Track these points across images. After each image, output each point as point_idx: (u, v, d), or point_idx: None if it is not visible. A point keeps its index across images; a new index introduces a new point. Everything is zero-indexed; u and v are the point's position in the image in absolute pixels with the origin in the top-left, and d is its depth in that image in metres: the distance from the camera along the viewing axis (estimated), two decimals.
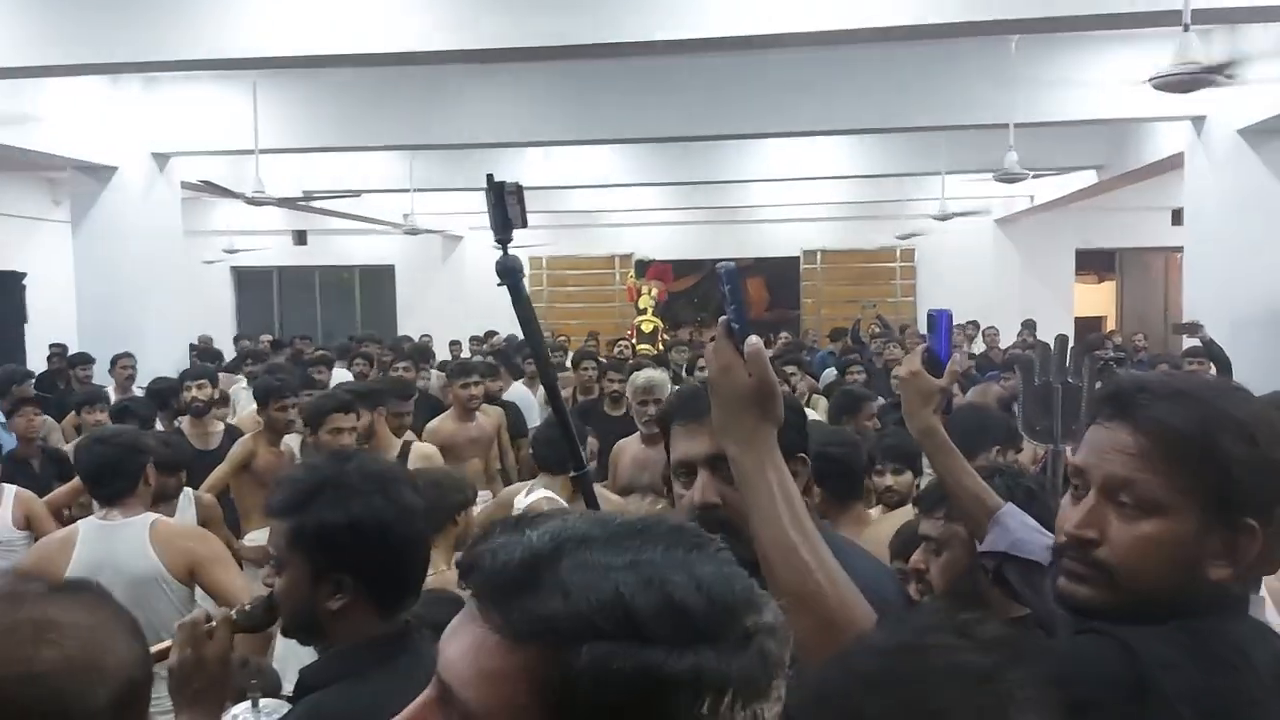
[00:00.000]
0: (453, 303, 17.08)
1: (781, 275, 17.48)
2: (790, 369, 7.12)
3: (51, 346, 10.84)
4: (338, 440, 4.17)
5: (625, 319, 16.19)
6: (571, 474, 2.41)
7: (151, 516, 3.30)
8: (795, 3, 5.69)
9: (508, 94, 8.64)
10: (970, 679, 0.82)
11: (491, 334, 14.42)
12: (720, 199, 14.87)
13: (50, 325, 11.05)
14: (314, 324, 17.87)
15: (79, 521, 3.41)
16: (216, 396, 5.87)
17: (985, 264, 16.25)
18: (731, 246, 15.72)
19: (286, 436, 5.07)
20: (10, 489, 4.30)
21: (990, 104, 8.18)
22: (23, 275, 11.42)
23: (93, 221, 9.12)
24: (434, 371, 8.64)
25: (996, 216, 15.89)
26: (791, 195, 14.39)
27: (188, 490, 4.25)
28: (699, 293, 17.16)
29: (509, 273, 1.93)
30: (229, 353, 11.26)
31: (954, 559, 2.10)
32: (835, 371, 7.89)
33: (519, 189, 1.86)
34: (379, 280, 18.71)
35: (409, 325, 16.59)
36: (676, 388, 3.14)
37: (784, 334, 13.46)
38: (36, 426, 5.40)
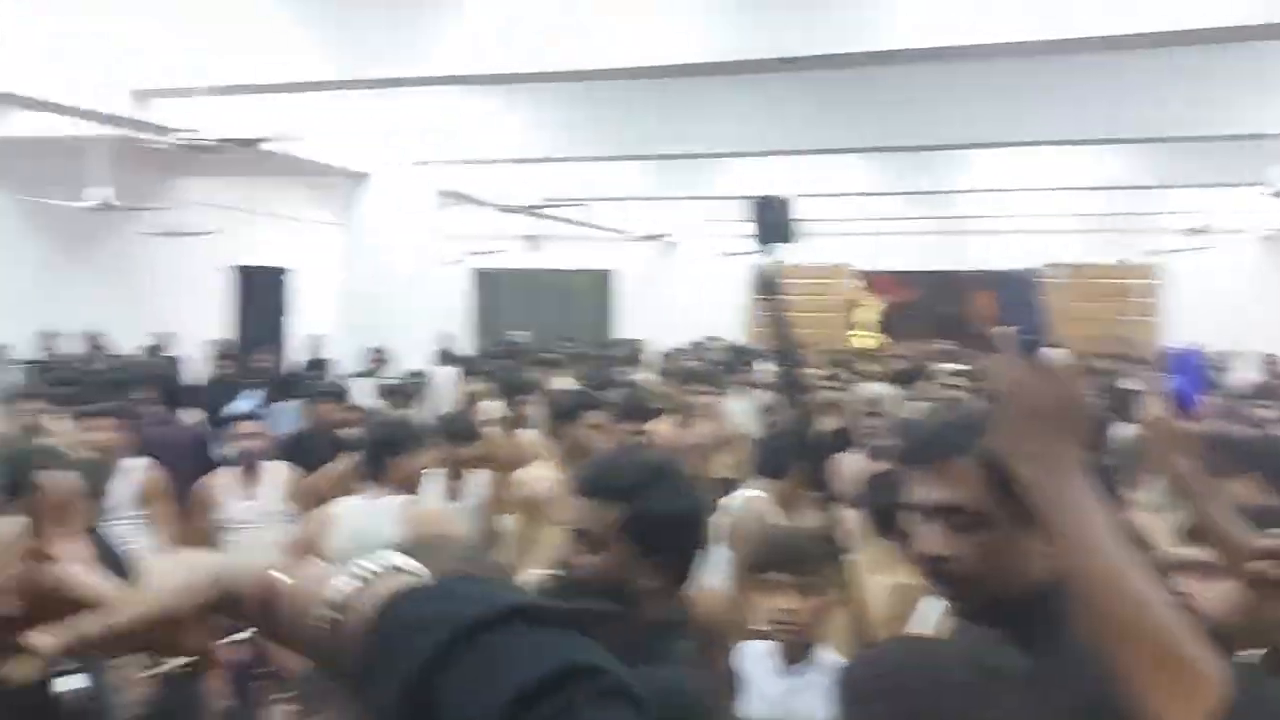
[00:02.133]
0: (671, 309, 17.39)
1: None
2: None
3: (309, 338, 11.89)
4: (594, 434, 4.36)
5: (843, 330, 15.97)
6: (815, 495, 2.39)
7: (404, 498, 3.55)
8: (1040, 9, 5.48)
9: (738, 104, 8.73)
10: None
11: (713, 340, 14.60)
12: (950, 209, 14.41)
13: (313, 317, 12.06)
14: (538, 327, 18.64)
15: (343, 499, 3.71)
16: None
17: (1248, 286, 14.92)
18: (963, 258, 15.24)
19: None
20: (280, 466, 4.69)
21: (1253, 113, 7.56)
22: (284, 271, 12.52)
23: (356, 224, 9.90)
24: (648, 375, 8.82)
25: (1264, 234, 14.58)
26: (1027, 206, 13.76)
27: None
28: (923, 306, 16.66)
29: (766, 285, 1.97)
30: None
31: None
32: None
33: (785, 203, 1.90)
34: (601, 285, 19.30)
35: (627, 329, 17.03)
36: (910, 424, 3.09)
37: None
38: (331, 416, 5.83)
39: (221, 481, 4.63)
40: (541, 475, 4.38)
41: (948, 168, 11.37)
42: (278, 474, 4.64)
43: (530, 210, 11.21)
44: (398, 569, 0.71)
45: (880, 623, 2.32)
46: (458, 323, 16.80)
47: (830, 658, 2.39)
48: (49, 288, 11.06)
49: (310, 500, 4.41)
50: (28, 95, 6.42)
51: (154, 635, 0.75)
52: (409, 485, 3.72)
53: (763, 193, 1.96)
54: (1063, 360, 1.14)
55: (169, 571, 0.76)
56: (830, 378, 6.67)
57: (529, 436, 5.36)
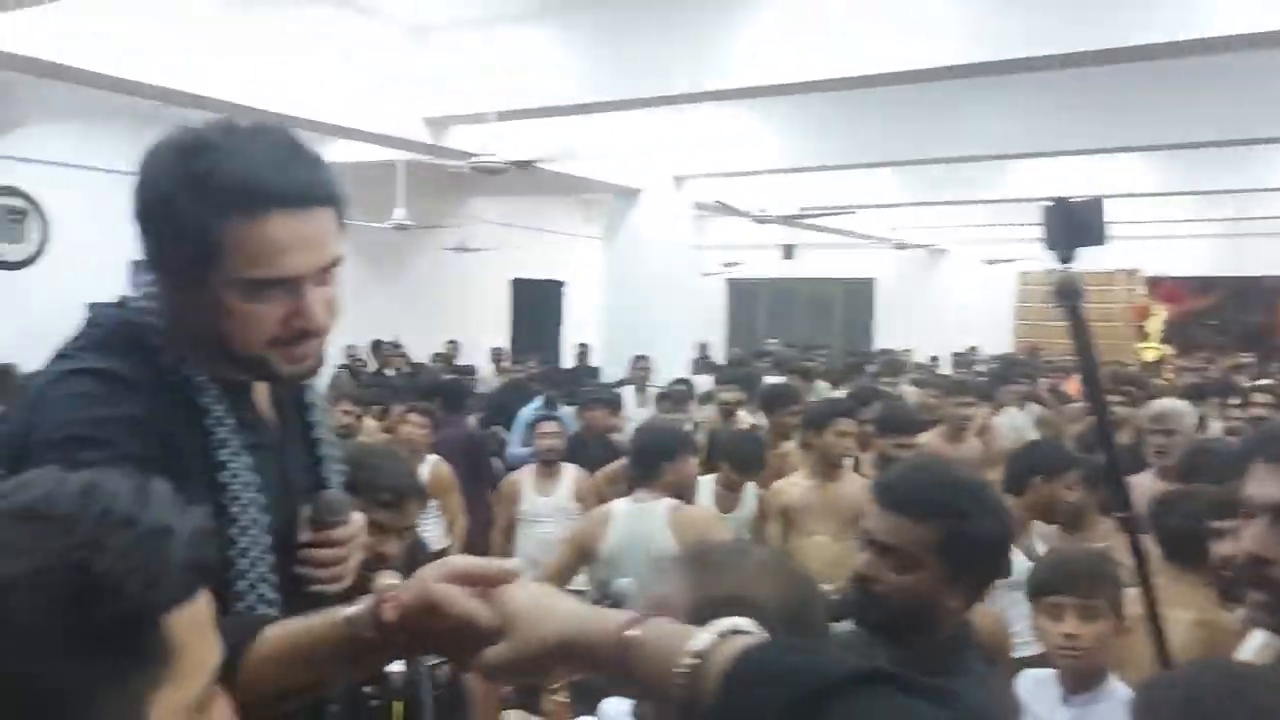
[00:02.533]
0: (932, 317, 16.86)
1: None
2: None
3: (578, 346, 12.50)
4: (843, 443, 4.37)
5: (1125, 340, 14.85)
6: (1116, 515, 2.27)
7: (672, 502, 3.63)
8: None
9: (1006, 105, 8.37)
10: None
11: (972, 349, 14.06)
12: (1251, 210, 13.08)
13: (581, 327, 12.66)
14: (794, 335, 18.61)
15: (615, 500, 3.87)
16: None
17: None
18: (1264, 263, 13.79)
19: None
20: (571, 467, 5.01)
21: None
22: (563, 284, 13.22)
23: (621, 238, 10.33)
24: (907, 387, 8.60)
25: None
26: None
27: (707, 479, 4.63)
28: (1219, 313, 15.19)
29: (1068, 294, 1.89)
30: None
31: None
32: None
33: (1098, 204, 1.83)
34: (859, 293, 19.00)
35: (886, 338, 16.67)
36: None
37: None
38: (602, 421, 6.18)
39: (522, 478, 5.02)
40: (797, 485, 4.43)
41: (1246, 165, 10.33)
42: (571, 474, 4.95)
43: (791, 220, 11.23)
44: (742, 630, 0.78)
45: (1182, 658, 2.18)
46: (715, 332, 17.14)
47: (1119, 688, 2.28)
48: (357, 302, 12.26)
49: (591, 500, 4.68)
50: (341, 125, 7.18)
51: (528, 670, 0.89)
52: (681, 490, 3.81)
53: (1041, 189, 1.89)
54: None
55: (534, 619, 0.87)
56: (1118, 392, 6.24)
57: (790, 447, 5.40)
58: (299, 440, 1.39)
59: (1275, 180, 10.80)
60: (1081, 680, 2.32)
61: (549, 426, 5.03)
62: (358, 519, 1.36)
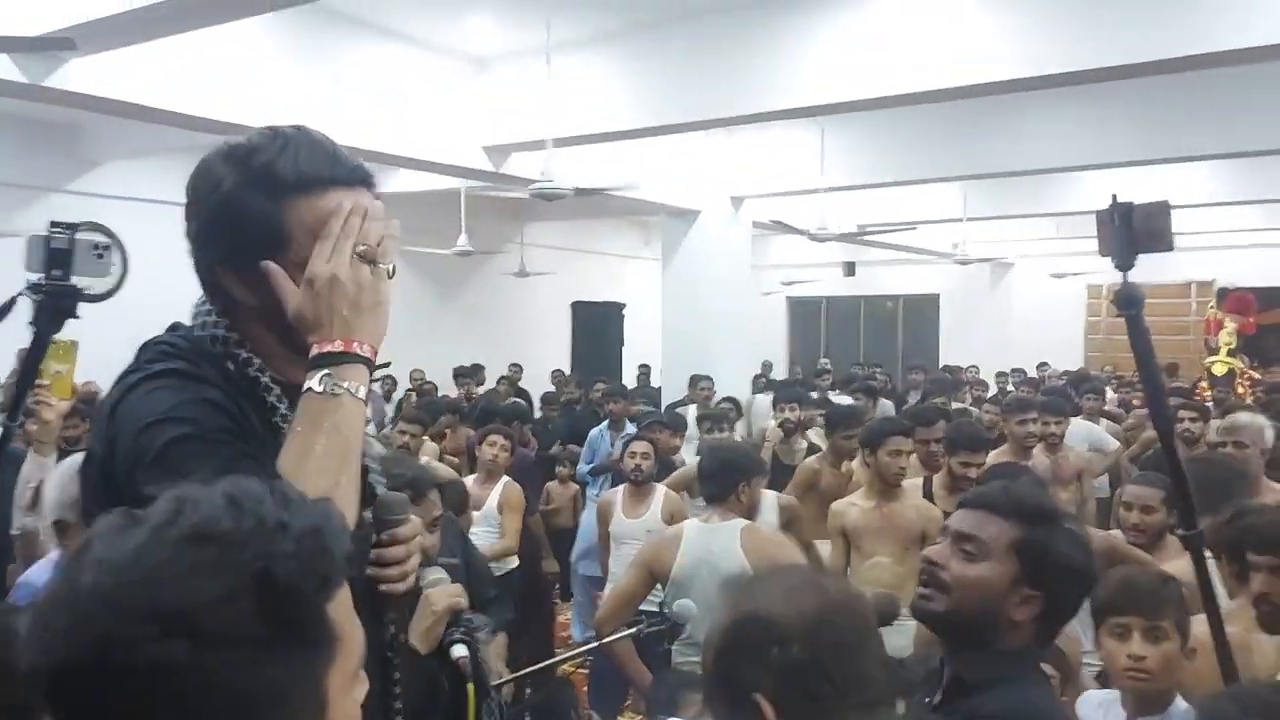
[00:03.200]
0: (998, 333, 16.59)
1: None
2: None
3: (639, 366, 12.54)
4: (896, 462, 4.34)
5: (1199, 354, 14.42)
6: (1180, 533, 2.24)
7: (743, 522, 3.65)
8: None
9: (1070, 116, 8.25)
10: None
11: (1043, 365, 13.79)
12: None
13: (641, 348, 12.71)
14: (857, 352, 18.44)
15: (685, 522, 3.92)
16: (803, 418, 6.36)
17: None
18: None
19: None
20: (661, 488, 5.05)
21: None
22: (623, 305, 13.29)
23: (679, 259, 10.37)
24: (976, 407, 8.47)
25: None
26: None
27: (769, 495, 4.69)
28: None
29: (1130, 303, 1.85)
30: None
31: None
32: None
33: (1165, 208, 1.79)
34: (922, 309, 18.78)
35: (951, 355, 16.44)
36: None
37: None
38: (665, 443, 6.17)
39: (615, 498, 5.08)
40: (856, 505, 4.39)
41: None
42: (661, 494, 4.99)
43: (849, 237, 11.17)
44: None
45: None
46: (775, 351, 17.08)
47: (1186, 709, 2.23)
48: (421, 327, 12.51)
49: (677, 518, 4.71)
50: (405, 155, 7.34)
51: None
52: (750, 511, 3.84)
53: (1118, 199, 1.84)
54: None
55: None
56: (1188, 406, 6.09)
57: (853, 466, 5.36)
58: None
59: None
60: (1148, 702, 2.29)
61: (639, 446, 5.04)
62: (416, 518, 1.41)
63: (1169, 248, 1.79)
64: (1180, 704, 2.28)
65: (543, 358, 12.45)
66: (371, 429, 6.99)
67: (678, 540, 3.64)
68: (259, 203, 1.23)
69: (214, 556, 0.71)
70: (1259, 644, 2.35)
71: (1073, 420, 6.87)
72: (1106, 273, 15.05)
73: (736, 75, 6.72)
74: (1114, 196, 1.87)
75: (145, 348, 1.32)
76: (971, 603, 1.64)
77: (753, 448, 5.43)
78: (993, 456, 5.43)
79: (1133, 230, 1.83)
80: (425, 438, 5.90)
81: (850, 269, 18.22)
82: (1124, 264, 1.84)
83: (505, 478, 5.31)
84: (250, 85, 6.20)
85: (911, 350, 17.79)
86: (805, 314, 19.83)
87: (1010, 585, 1.62)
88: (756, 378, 10.45)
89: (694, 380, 8.82)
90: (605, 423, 7.17)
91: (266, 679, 0.71)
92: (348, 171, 1.28)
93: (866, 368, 13.65)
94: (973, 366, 13.87)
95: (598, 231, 15.24)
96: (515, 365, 12.19)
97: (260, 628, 0.70)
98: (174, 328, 1.35)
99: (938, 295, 18.33)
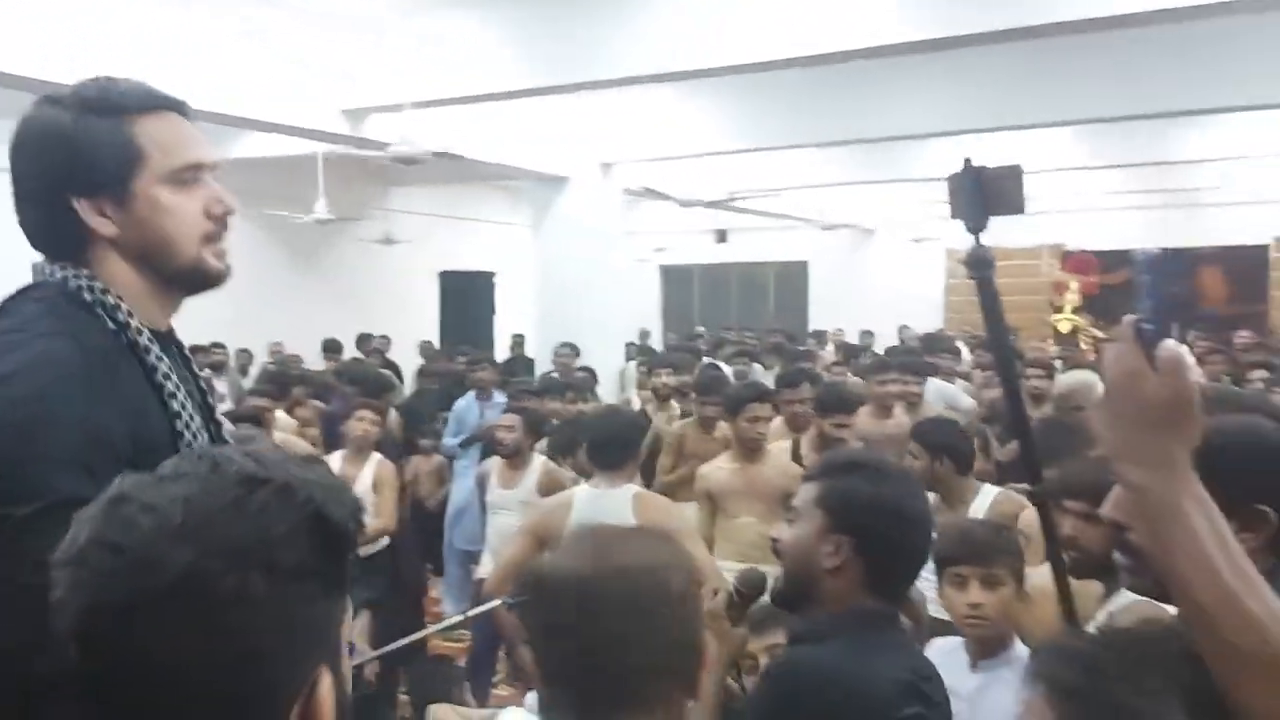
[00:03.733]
0: (864, 298, 17.03)
1: (1245, 266, 15.41)
2: (1258, 374, 6.28)
3: (513, 337, 12.37)
4: (754, 428, 4.39)
5: (1047, 315, 15.16)
6: (1029, 489, 2.35)
7: (634, 489, 3.65)
8: None
9: (931, 83, 8.43)
10: None
11: (904, 328, 14.22)
12: (1172, 181, 13.40)
13: (514, 317, 12.54)
14: (729, 319, 18.67)
15: (575, 488, 3.89)
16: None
17: None
18: (1185, 233, 14.14)
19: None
20: (539, 459, 4.98)
21: None
22: (492, 274, 13.07)
23: (549, 226, 10.23)
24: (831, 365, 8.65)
25: None
26: (1260, 176, 12.63)
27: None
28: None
29: (981, 264, 1.86)
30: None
31: None
32: None
33: (1017, 171, 1.79)
34: (792, 276, 19.12)
35: (821, 319, 16.80)
36: None
37: (1244, 332, 11.86)
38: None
39: (490, 468, 5.03)
40: (722, 469, 4.43)
41: (1169, 137, 10.57)
42: (538, 465, 4.92)
43: (720, 204, 11.24)
44: None
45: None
46: (649, 318, 17.11)
47: (1024, 652, 2.36)
48: (280, 297, 12.01)
49: (551, 488, 4.67)
50: (256, 118, 6.98)
51: None
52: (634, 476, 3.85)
53: (971, 163, 1.84)
54: (1178, 352, 1.02)
55: None
56: (1036, 364, 6.37)
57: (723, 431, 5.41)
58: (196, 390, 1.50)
59: (1194, 152, 11.07)
60: (988, 647, 2.40)
61: (507, 419, 4.98)
62: None
63: (1020, 211, 1.79)
64: (1019, 648, 2.39)
65: (410, 328, 12.12)
66: (227, 405, 6.68)
67: (568, 507, 3.62)
68: (106, 124, 1.30)
69: (273, 497, 0.74)
70: (1080, 590, 2.47)
71: (930, 380, 7.13)
72: (964, 237, 15.61)
73: (601, 38, 6.60)
74: (966, 160, 1.87)
75: (18, 296, 1.33)
76: (795, 563, 1.76)
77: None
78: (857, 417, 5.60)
79: (984, 194, 1.83)
80: (281, 411, 5.65)
81: (722, 236, 18.39)
82: (975, 227, 1.84)
83: (376, 454, 5.11)
84: (88, 43, 5.75)
85: (782, 316, 18.13)
86: (678, 281, 19.95)
87: (820, 537, 1.72)
88: (629, 345, 10.43)
89: (556, 349, 8.77)
90: (472, 393, 7.02)
91: (323, 613, 0.76)
92: (176, 100, 1.38)
93: (741, 333, 13.83)
94: (839, 330, 14.20)
95: (466, 198, 14.92)
96: (383, 337, 11.86)
97: (320, 563, 0.75)
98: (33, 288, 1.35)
99: (806, 262, 18.67)
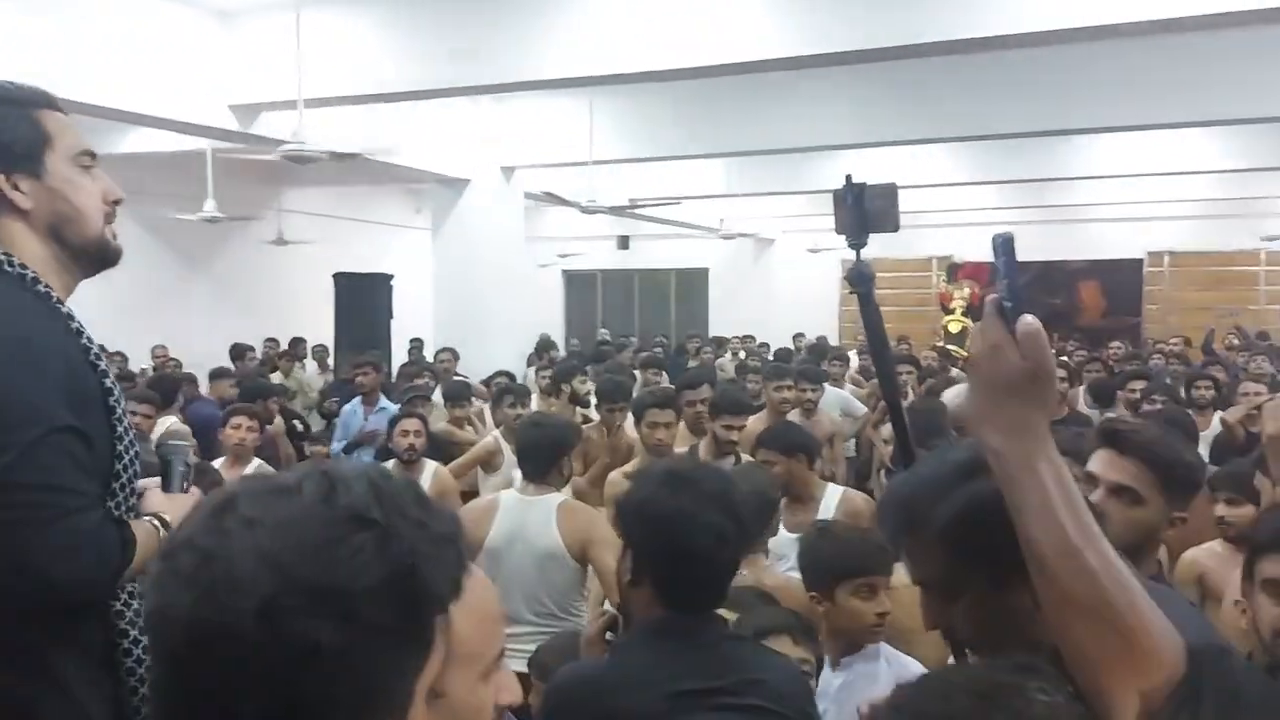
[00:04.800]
0: (763, 306, 17.28)
1: (1120, 279, 16.16)
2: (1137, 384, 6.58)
3: (411, 341, 12.14)
4: (654, 434, 4.40)
5: (935, 324, 15.62)
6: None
7: (560, 497, 3.60)
8: None
9: (828, 96, 8.63)
10: None
11: (799, 336, 14.48)
12: (1052, 198, 13.98)
13: (412, 321, 12.33)
14: (632, 325, 18.73)
15: (502, 492, 3.84)
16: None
17: None
18: (1064, 248, 14.74)
19: None
20: (432, 464, 4.91)
21: None
22: (390, 276, 12.81)
23: (449, 229, 10.11)
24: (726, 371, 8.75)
25: None
26: (1134, 193, 13.27)
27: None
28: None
29: (861, 279, 1.90)
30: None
31: None
32: None
33: (892, 190, 1.84)
34: (693, 283, 19.29)
35: (721, 326, 16.98)
36: None
37: (1116, 343, 12.45)
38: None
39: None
40: (629, 474, 4.42)
41: (1050, 155, 11.03)
42: (431, 469, 4.88)
43: (622, 210, 11.27)
44: None
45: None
46: (552, 324, 17.03)
47: (877, 648, 2.42)
48: (167, 298, 11.57)
49: (454, 497, 4.68)
50: (141, 113, 6.72)
51: None
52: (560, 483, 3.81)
53: (859, 179, 1.88)
54: (1036, 326, 1.09)
55: None
56: (905, 360, 6.53)
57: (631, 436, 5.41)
58: None
59: (1073, 170, 11.57)
60: (848, 646, 2.43)
61: (410, 424, 4.89)
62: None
63: (895, 228, 1.84)
64: (877, 644, 2.43)
65: (303, 332, 11.79)
66: None
67: (493, 511, 3.56)
68: (15, 111, 1.49)
69: (373, 543, 0.70)
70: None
71: (826, 388, 7.27)
72: (860, 244, 15.98)
73: (501, 41, 6.56)
74: (848, 177, 1.91)
75: None
76: (617, 579, 1.86)
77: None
78: (752, 422, 5.67)
79: (864, 210, 1.87)
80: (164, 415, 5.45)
81: (624, 242, 18.44)
82: (856, 242, 1.89)
83: (256, 459, 4.99)
84: None
85: (684, 322, 18.28)
86: (581, 286, 19.94)
87: (624, 551, 1.81)
88: (530, 355, 10.33)
89: (438, 354, 8.62)
90: (357, 398, 6.88)
91: (389, 671, 0.72)
92: (53, 99, 1.56)
93: (655, 340, 13.87)
94: (749, 337, 14.39)
95: (364, 199, 14.63)
96: (270, 340, 11.53)
97: (399, 622, 0.71)
98: None
99: (707, 269, 18.88)
